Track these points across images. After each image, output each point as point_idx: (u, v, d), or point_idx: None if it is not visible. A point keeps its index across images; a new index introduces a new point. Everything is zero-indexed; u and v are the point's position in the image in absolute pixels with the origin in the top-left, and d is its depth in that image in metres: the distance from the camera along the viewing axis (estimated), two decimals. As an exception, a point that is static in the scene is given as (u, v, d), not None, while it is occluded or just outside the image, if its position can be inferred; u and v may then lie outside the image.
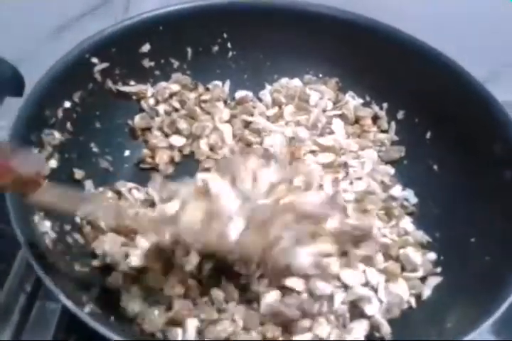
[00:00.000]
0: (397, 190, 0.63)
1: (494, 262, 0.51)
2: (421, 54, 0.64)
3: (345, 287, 0.53)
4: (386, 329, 0.51)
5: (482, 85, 0.61)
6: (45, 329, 0.52)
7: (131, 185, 0.59)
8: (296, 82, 0.71)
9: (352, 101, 0.69)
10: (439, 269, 0.56)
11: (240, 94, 0.70)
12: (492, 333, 0.58)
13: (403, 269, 0.56)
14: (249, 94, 0.70)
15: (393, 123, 0.68)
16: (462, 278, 0.53)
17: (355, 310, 0.52)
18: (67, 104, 0.56)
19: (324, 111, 0.68)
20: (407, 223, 0.60)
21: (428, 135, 0.65)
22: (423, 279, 0.56)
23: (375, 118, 0.69)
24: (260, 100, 0.70)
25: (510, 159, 0.55)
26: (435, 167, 0.64)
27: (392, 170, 0.65)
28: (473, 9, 0.72)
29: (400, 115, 0.68)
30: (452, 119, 0.63)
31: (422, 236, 0.59)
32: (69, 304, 0.41)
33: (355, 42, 0.67)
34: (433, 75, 0.63)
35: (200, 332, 0.49)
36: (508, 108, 0.59)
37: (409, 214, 0.62)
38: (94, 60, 0.59)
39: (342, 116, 0.68)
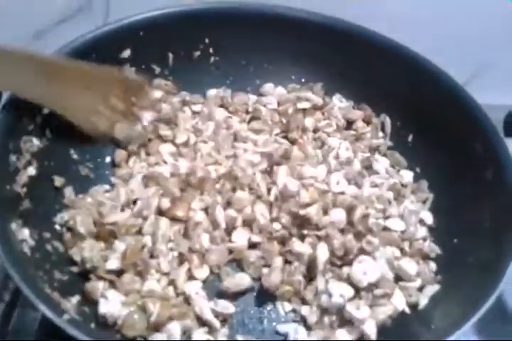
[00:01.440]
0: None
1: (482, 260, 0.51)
2: (402, 57, 0.65)
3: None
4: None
5: (462, 87, 0.62)
6: (25, 337, 0.51)
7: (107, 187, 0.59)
8: (280, 90, 0.71)
9: (340, 103, 0.70)
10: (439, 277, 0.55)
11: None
12: (474, 333, 0.59)
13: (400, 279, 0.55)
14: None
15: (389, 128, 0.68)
16: (455, 282, 0.53)
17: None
18: (46, 111, 0.55)
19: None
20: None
21: (410, 138, 0.66)
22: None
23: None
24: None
25: (491, 159, 0.56)
26: (418, 169, 0.65)
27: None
28: (454, 12, 0.73)
29: (382, 119, 0.68)
30: (434, 122, 0.63)
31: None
32: (47, 312, 0.41)
33: (336, 47, 0.68)
34: (414, 78, 0.64)
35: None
36: (488, 110, 0.60)
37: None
38: (74, 65, 0.58)
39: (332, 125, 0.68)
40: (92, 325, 0.47)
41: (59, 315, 0.41)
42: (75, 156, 0.59)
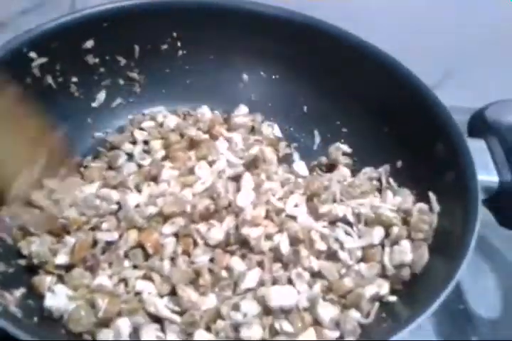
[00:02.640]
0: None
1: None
2: (368, 56, 0.64)
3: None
4: None
5: (426, 87, 0.61)
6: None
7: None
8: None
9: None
10: None
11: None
12: (439, 335, 0.59)
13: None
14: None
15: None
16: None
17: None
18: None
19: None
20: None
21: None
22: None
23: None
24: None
25: (453, 160, 0.56)
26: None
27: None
28: (426, 13, 0.74)
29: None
30: (398, 123, 0.63)
31: None
32: None
33: (303, 43, 0.67)
34: (382, 79, 0.64)
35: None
36: (457, 112, 0.60)
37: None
38: (33, 54, 0.57)
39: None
40: (35, 319, 0.45)
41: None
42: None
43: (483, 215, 0.51)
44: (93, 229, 0.53)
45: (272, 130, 0.69)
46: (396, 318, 0.47)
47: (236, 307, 0.46)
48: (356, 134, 0.68)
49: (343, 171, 0.64)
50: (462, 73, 0.80)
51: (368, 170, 0.63)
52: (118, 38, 0.64)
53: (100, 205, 0.53)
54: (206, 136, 0.64)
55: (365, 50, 0.65)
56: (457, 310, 0.61)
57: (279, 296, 0.46)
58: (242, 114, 0.69)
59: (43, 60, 0.58)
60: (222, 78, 0.71)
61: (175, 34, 0.67)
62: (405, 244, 0.53)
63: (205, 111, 0.68)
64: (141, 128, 0.66)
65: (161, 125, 0.67)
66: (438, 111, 0.58)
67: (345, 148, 0.67)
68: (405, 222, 0.56)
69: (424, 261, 0.51)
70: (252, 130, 0.68)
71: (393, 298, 0.50)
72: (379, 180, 0.62)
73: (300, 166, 0.64)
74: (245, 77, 0.72)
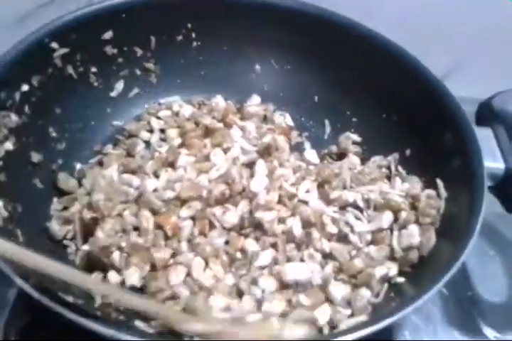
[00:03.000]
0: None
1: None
2: (380, 48, 0.66)
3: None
4: None
5: (435, 77, 0.62)
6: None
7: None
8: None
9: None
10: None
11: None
12: (447, 322, 0.60)
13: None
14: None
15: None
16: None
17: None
18: (25, 88, 0.56)
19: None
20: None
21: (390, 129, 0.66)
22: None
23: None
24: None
25: (460, 148, 0.57)
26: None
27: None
28: (435, 4, 0.74)
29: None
30: (407, 112, 0.64)
31: None
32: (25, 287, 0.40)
33: (314, 34, 0.68)
34: (392, 69, 0.65)
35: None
36: (465, 102, 0.61)
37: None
38: (54, 44, 0.59)
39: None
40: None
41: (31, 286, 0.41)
42: (53, 134, 0.60)
43: (491, 203, 0.53)
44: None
45: (284, 119, 0.71)
46: (404, 297, 0.49)
47: (254, 282, 0.48)
48: (366, 124, 0.69)
49: (353, 159, 0.66)
50: (470, 64, 0.81)
51: (377, 159, 0.65)
52: (135, 29, 0.66)
53: (128, 190, 0.55)
54: (220, 125, 0.66)
55: (376, 41, 0.66)
56: (465, 296, 0.62)
57: (294, 271, 0.49)
58: (254, 103, 0.71)
59: (65, 50, 0.60)
60: (236, 69, 0.72)
61: (189, 25, 0.69)
62: (413, 228, 0.55)
63: (219, 101, 0.70)
64: (158, 117, 0.68)
65: (177, 114, 0.69)
66: (447, 100, 0.60)
67: (355, 137, 0.68)
68: (413, 207, 0.57)
69: (432, 244, 0.53)
70: (265, 119, 0.70)
71: (401, 280, 0.52)
72: (388, 167, 0.64)
73: (311, 154, 0.66)
74: (258, 67, 0.73)
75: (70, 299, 0.43)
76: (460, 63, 0.81)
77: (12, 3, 0.71)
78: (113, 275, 0.50)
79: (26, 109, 0.56)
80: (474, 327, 0.60)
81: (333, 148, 0.69)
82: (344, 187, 0.60)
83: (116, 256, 0.50)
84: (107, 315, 0.47)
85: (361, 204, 0.57)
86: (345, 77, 0.69)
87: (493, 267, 0.66)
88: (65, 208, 0.56)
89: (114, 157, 0.61)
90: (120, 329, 0.39)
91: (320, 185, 0.60)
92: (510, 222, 0.68)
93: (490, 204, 0.52)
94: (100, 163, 0.62)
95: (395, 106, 0.66)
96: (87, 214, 0.52)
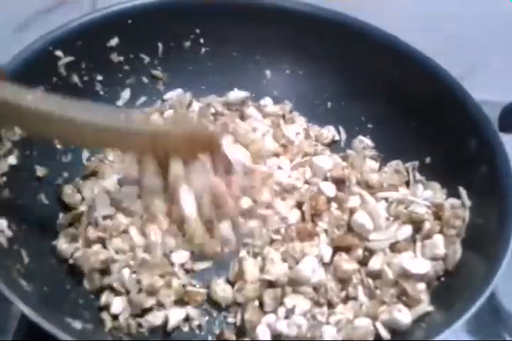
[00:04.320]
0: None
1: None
2: (396, 51, 0.63)
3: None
4: None
5: (458, 83, 0.60)
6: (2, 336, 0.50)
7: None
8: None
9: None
10: None
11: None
12: (468, 333, 0.58)
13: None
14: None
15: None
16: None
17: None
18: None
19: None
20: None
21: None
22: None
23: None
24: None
25: (486, 156, 0.54)
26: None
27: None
28: (449, 7, 0.72)
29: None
30: (429, 118, 0.62)
31: None
32: (25, 309, 0.38)
33: (331, 40, 0.66)
34: (409, 73, 0.63)
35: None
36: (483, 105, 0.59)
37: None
38: (59, 53, 0.57)
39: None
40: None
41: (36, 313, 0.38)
42: (58, 146, 0.58)
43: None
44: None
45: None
46: (432, 322, 0.46)
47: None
48: (382, 130, 0.67)
49: (371, 164, 0.63)
50: (487, 66, 0.79)
51: (393, 163, 0.63)
52: (142, 36, 0.63)
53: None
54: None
55: (392, 44, 0.64)
56: (488, 306, 0.58)
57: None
58: (269, 103, 0.69)
59: (69, 58, 0.58)
60: (246, 74, 0.70)
61: (198, 31, 0.67)
62: (438, 238, 0.53)
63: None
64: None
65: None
66: (469, 105, 0.57)
67: (368, 141, 0.66)
68: (437, 216, 0.55)
69: (458, 256, 0.51)
70: (283, 118, 0.68)
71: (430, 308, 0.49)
72: (407, 173, 0.62)
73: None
74: (268, 73, 0.71)
75: (78, 325, 0.40)
76: (475, 66, 0.79)
77: (13, 9, 0.69)
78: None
79: (30, 120, 0.54)
80: (497, 338, 0.58)
81: (350, 153, 0.66)
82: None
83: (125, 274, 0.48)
84: (117, 339, 0.44)
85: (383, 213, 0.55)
86: (360, 82, 0.67)
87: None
88: (71, 224, 0.54)
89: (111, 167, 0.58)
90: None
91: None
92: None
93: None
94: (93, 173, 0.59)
95: (413, 112, 0.63)
96: (93, 233, 0.49)
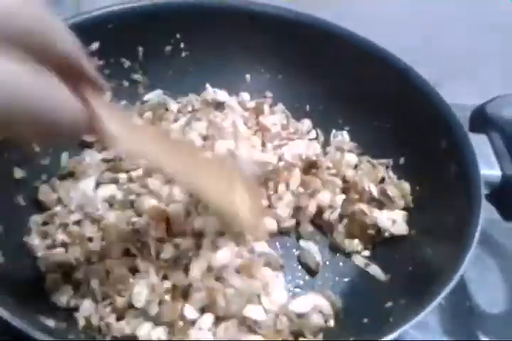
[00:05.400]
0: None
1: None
2: (369, 53, 0.65)
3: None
4: None
5: (429, 84, 0.61)
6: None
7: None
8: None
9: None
10: None
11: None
12: (444, 333, 0.58)
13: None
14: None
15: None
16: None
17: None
18: (8, 101, 0.55)
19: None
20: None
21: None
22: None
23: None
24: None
25: (455, 155, 0.55)
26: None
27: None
28: (427, 11, 0.74)
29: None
30: (402, 119, 0.63)
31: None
32: None
33: (306, 43, 0.68)
34: (383, 75, 0.64)
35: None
36: (456, 109, 0.60)
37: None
38: (39, 57, 0.58)
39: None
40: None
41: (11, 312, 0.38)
42: (37, 149, 0.58)
43: (487, 211, 0.52)
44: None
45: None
46: (401, 312, 0.47)
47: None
48: (358, 132, 0.68)
49: (350, 156, 0.65)
50: (463, 71, 0.81)
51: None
52: (122, 40, 0.64)
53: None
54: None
55: (367, 49, 0.65)
56: (463, 307, 0.61)
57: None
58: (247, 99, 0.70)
59: (50, 62, 0.59)
60: (226, 79, 0.71)
61: (178, 35, 0.68)
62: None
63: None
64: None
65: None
66: (440, 108, 0.58)
67: (346, 136, 0.68)
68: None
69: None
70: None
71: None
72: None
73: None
74: (248, 76, 0.72)
75: (51, 323, 0.41)
76: (454, 69, 0.81)
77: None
78: None
79: (9, 122, 0.55)
80: (472, 338, 0.58)
81: (329, 149, 0.67)
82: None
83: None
84: (91, 338, 0.45)
85: None
86: (336, 85, 0.68)
87: (491, 276, 0.65)
88: (46, 223, 0.54)
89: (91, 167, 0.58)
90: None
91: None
92: (508, 229, 0.66)
93: (486, 211, 0.51)
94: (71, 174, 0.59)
95: (388, 114, 0.65)
96: (60, 236, 0.50)
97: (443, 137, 0.57)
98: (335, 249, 0.59)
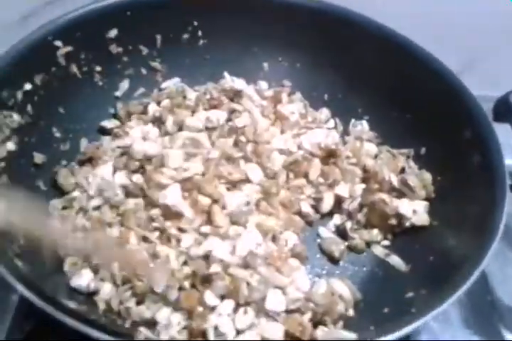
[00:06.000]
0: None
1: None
2: (394, 43, 0.64)
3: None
4: None
5: (454, 74, 0.60)
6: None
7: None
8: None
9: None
10: None
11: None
12: (466, 327, 0.58)
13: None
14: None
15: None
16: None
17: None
18: (28, 87, 0.55)
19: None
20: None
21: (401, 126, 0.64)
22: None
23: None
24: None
25: (479, 145, 0.55)
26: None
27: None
28: (449, 2, 0.73)
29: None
30: (422, 110, 0.62)
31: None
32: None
33: (327, 33, 0.67)
34: (406, 65, 0.63)
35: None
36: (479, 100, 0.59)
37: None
38: (58, 42, 0.58)
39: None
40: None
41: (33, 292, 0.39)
42: (57, 135, 0.58)
43: (509, 204, 0.50)
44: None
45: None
46: (423, 303, 0.46)
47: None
48: (378, 122, 0.67)
49: (369, 146, 0.64)
50: (484, 61, 0.79)
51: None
52: (141, 27, 0.64)
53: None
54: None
55: (390, 37, 0.64)
56: (484, 301, 0.60)
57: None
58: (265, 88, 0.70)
59: (68, 48, 0.59)
60: (243, 67, 0.71)
61: (196, 23, 0.67)
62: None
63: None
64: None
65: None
66: (464, 97, 0.58)
67: (365, 125, 0.67)
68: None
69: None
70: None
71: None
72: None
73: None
74: (265, 65, 0.72)
75: (73, 305, 0.41)
76: (474, 61, 0.79)
77: (16, 1, 0.70)
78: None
79: (29, 108, 0.55)
80: (493, 331, 0.57)
81: (348, 138, 0.66)
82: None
83: None
84: (111, 322, 0.45)
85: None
86: (356, 74, 0.67)
87: (513, 270, 0.64)
88: (65, 208, 0.55)
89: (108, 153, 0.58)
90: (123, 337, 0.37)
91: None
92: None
93: (509, 204, 0.50)
94: (90, 160, 0.58)
95: (409, 104, 0.64)
96: (80, 221, 0.50)
97: (467, 127, 0.56)
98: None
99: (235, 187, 0.55)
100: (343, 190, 0.57)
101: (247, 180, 0.56)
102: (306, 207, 0.56)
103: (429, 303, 0.42)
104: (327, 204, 0.57)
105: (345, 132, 0.68)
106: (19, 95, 0.54)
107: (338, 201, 0.57)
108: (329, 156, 0.60)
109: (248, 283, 0.46)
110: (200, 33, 0.68)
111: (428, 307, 0.42)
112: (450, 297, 0.42)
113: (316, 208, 0.58)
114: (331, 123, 0.69)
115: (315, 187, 0.57)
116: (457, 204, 0.55)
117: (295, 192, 0.57)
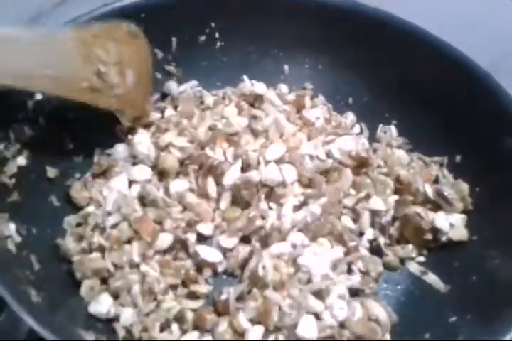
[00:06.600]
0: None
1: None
2: (424, 44, 0.60)
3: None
4: None
5: (491, 77, 0.56)
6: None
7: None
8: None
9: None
10: None
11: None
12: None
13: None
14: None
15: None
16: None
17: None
18: (39, 96, 0.52)
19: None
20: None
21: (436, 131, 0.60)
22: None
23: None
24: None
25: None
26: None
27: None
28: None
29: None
30: (460, 114, 0.58)
31: None
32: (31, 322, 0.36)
33: (351, 33, 0.63)
34: (438, 67, 0.59)
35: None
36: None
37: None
38: (70, 47, 0.54)
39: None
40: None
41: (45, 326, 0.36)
42: (70, 146, 0.56)
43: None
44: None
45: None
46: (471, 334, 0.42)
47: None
48: (407, 127, 0.63)
49: (399, 153, 0.60)
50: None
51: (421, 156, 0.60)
52: (155, 30, 0.60)
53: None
54: None
55: (417, 35, 0.60)
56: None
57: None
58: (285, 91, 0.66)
59: (82, 53, 0.55)
60: (262, 70, 0.67)
61: (213, 24, 0.64)
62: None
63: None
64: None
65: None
66: (504, 101, 0.54)
67: (394, 130, 0.63)
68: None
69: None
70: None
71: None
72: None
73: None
74: (286, 67, 0.68)
75: (91, 337, 0.38)
76: (499, 60, 0.75)
77: (28, 2, 0.67)
78: None
79: (40, 119, 0.52)
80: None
81: (377, 145, 0.62)
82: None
83: None
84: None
85: None
86: (383, 77, 0.64)
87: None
88: (80, 224, 0.52)
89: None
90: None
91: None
92: None
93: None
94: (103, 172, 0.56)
95: (441, 108, 0.60)
96: (97, 240, 0.48)
97: (507, 134, 0.53)
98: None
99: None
100: (378, 203, 0.53)
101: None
102: (349, 222, 0.53)
103: (479, 333, 0.39)
104: (365, 220, 0.53)
105: (372, 138, 0.64)
106: (30, 105, 0.51)
107: (372, 215, 0.54)
108: (361, 166, 0.56)
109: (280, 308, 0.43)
110: (217, 34, 0.65)
111: (478, 336, 0.38)
112: (507, 332, 0.38)
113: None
114: (357, 128, 0.65)
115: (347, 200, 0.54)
116: (497, 217, 0.51)
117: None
